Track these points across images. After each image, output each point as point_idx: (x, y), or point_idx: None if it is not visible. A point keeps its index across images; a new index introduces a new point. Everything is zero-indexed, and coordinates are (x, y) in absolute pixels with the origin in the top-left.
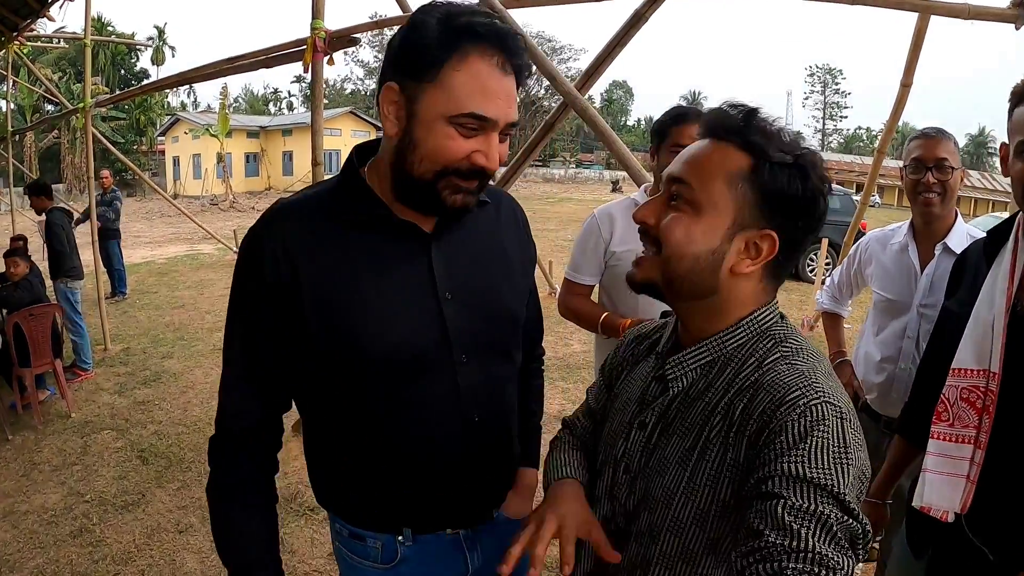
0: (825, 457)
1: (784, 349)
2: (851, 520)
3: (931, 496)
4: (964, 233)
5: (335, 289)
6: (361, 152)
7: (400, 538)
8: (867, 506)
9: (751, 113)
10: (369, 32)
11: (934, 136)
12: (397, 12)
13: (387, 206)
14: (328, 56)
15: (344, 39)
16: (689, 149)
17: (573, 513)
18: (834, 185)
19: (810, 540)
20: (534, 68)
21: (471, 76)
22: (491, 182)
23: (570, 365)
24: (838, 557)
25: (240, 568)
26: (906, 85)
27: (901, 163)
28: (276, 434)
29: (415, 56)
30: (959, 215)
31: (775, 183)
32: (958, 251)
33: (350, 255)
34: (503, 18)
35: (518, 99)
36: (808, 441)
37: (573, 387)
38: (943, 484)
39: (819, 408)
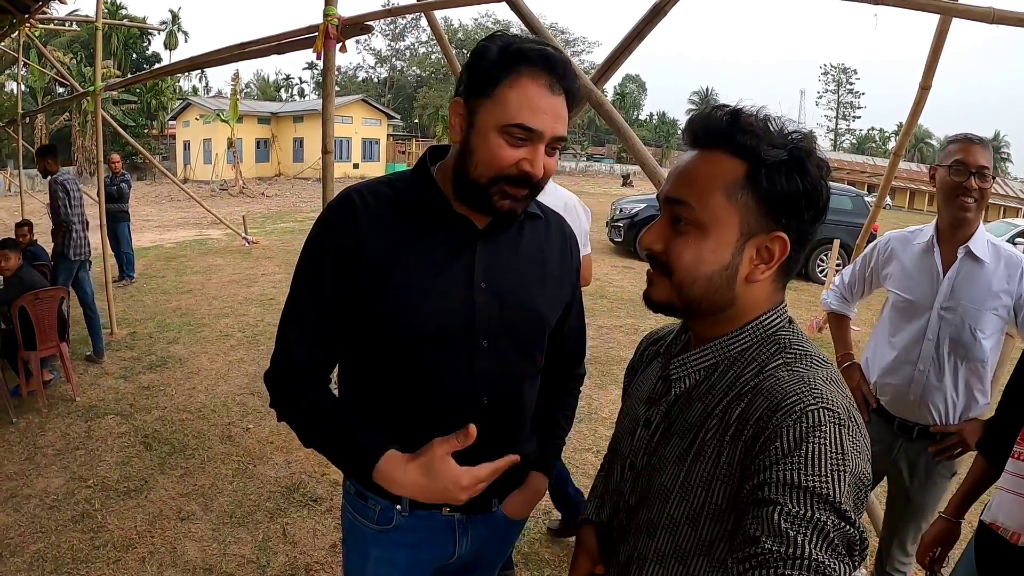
0: (821, 464)
1: (787, 355)
2: (848, 527)
3: (998, 513)
4: (985, 238)
5: (390, 259)
6: (434, 152)
7: (398, 507)
8: (942, 523)
9: (735, 113)
10: (382, 20)
11: (978, 142)
12: (411, 0)
13: (447, 199)
14: (340, 43)
15: (357, 26)
16: (680, 165)
17: (581, 561)
18: (845, 185)
19: (807, 547)
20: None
21: (521, 93)
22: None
23: None
24: (835, 564)
25: (361, 463)
26: (925, 87)
27: (936, 163)
28: (326, 371)
29: (477, 76)
30: (981, 222)
31: (775, 184)
32: (979, 255)
33: (407, 233)
34: (521, 8)
35: (567, 118)
36: (804, 448)
37: (586, 380)
38: (1014, 504)
39: (815, 414)
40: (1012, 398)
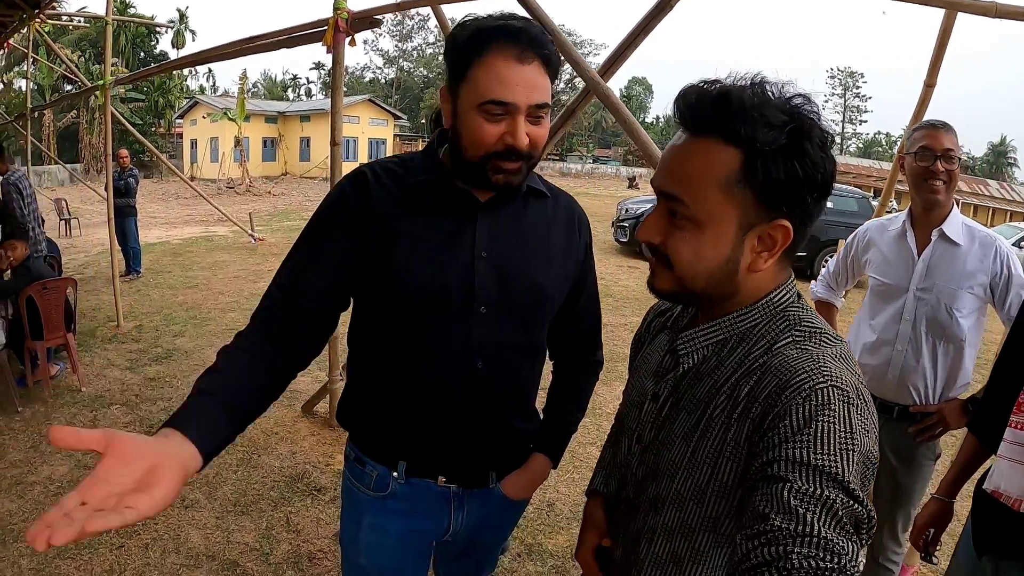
0: (830, 442)
1: (797, 333)
2: (856, 505)
3: (1000, 481)
4: (960, 222)
5: (397, 230)
6: (443, 134)
7: (395, 474)
8: (934, 503)
9: (725, 95)
10: (389, 20)
11: (941, 127)
12: None
13: (450, 175)
14: (350, 37)
15: (366, 20)
16: (671, 153)
17: (589, 533)
18: (851, 188)
19: (816, 524)
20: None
21: (490, 69)
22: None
23: None
24: (843, 542)
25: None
26: (930, 85)
27: (904, 152)
28: (296, 308)
29: (452, 62)
30: (955, 204)
31: (772, 175)
32: (953, 237)
33: (414, 207)
34: (530, 4)
35: (552, 84)
36: (813, 426)
37: None
38: (1014, 471)
39: (824, 392)
40: (1002, 376)
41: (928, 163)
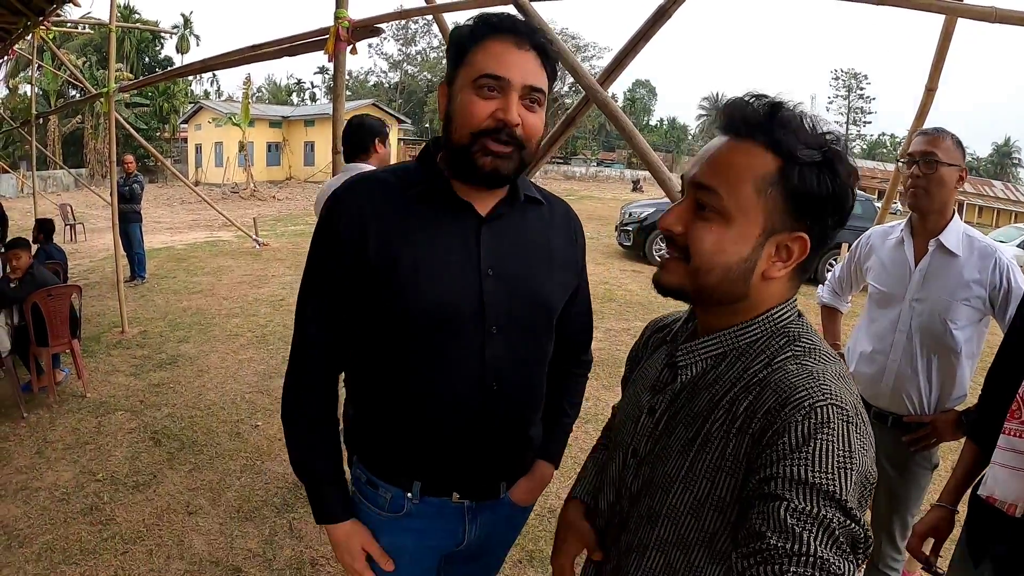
0: (828, 461)
1: (796, 348)
2: (852, 524)
3: (995, 486)
4: (960, 232)
5: (395, 247)
6: (437, 142)
7: (409, 494)
8: (937, 511)
9: (775, 107)
10: (394, 25)
11: (929, 134)
12: (420, 3)
13: (450, 184)
14: (351, 46)
15: (367, 29)
16: (710, 149)
17: (570, 541)
18: (856, 191)
19: (812, 544)
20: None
21: (487, 50)
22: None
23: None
24: (839, 561)
25: (313, 481)
26: (931, 89)
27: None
28: (336, 355)
29: (453, 54)
30: (956, 214)
31: (805, 185)
32: (951, 248)
33: (412, 222)
34: (527, 11)
35: (549, 78)
36: (812, 444)
37: (593, 381)
38: (1009, 477)
39: (824, 410)
40: (996, 383)
41: (908, 169)
